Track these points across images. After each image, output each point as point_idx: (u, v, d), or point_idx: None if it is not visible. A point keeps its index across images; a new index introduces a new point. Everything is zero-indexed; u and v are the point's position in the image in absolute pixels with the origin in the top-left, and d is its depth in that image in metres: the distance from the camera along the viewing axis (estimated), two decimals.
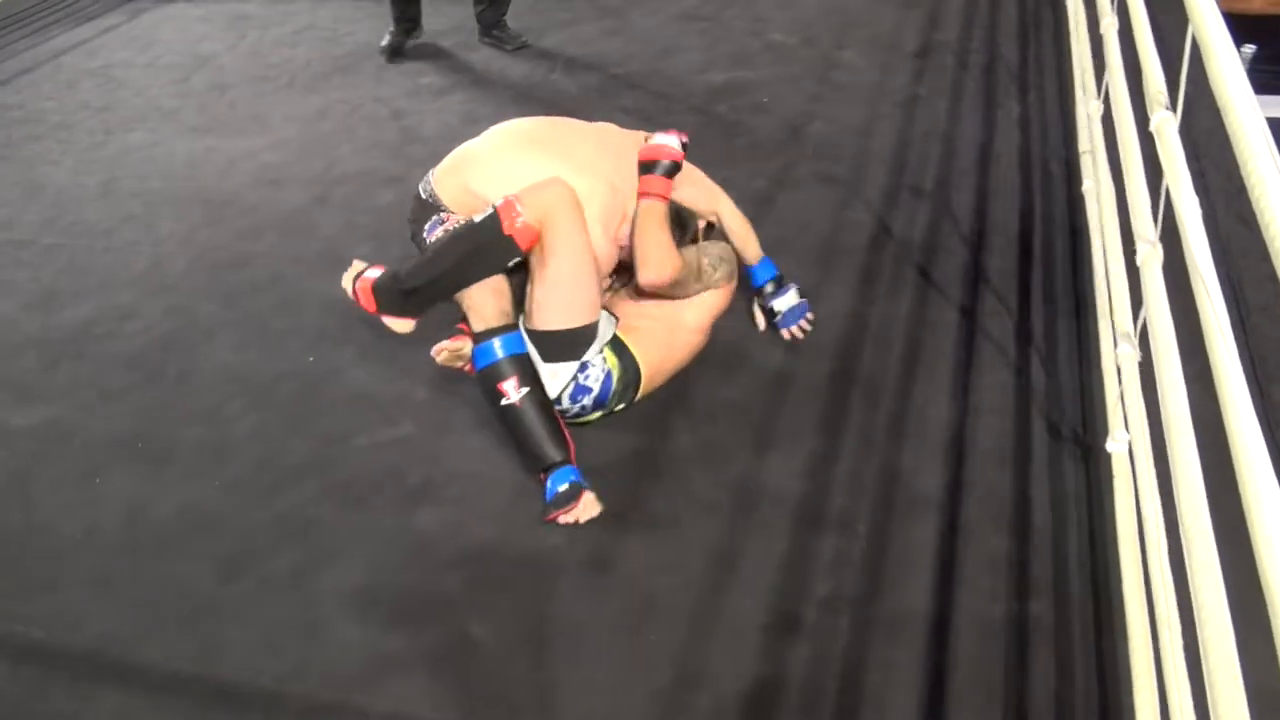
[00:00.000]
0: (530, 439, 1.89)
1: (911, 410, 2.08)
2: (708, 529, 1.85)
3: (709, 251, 2.15)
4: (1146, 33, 1.86)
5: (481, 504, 1.97)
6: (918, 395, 2.12)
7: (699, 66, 3.89)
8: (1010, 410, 2.05)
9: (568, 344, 1.97)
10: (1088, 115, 2.74)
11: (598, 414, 2.06)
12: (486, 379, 1.92)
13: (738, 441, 2.05)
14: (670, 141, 2.09)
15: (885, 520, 1.83)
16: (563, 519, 1.85)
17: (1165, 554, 1.40)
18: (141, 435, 2.25)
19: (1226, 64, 1.21)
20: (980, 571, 1.71)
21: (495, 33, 4.29)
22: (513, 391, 1.89)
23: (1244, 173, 1.00)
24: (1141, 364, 1.70)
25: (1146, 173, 1.73)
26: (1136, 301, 1.63)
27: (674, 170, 2.07)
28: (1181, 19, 1.46)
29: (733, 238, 2.24)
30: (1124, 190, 1.80)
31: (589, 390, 2.00)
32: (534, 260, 1.95)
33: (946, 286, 2.46)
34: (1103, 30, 2.52)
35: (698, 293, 2.13)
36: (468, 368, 1.99)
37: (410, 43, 4.35)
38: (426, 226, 2.06)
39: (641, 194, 2.05)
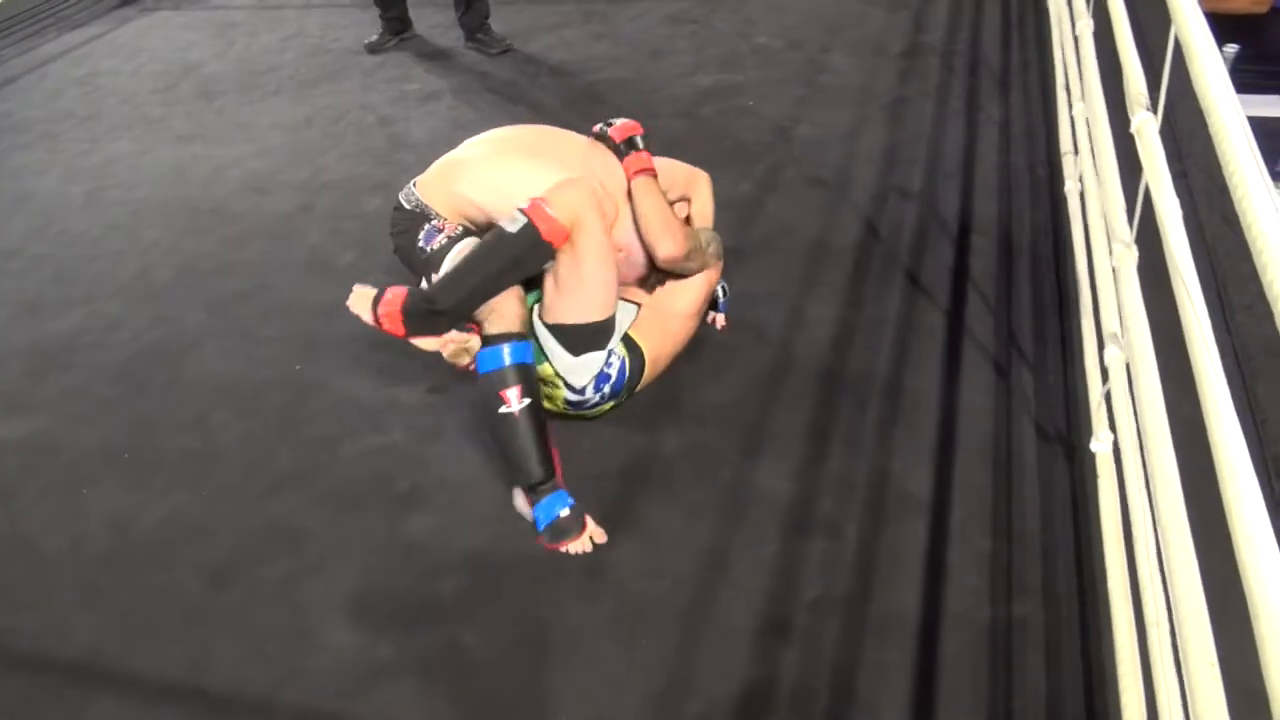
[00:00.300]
0: (521, 452, 1.89)
1: (899, 412, 2.08)
2: (697, 533, 1.86)
3: (698, 231, 2.18)
4: (1127, 33, 1.87)
5: (471, 510, 1.97)
6: (905, 397, 2.12)
7: (686, 70, 3.90)
8: (996, 411, 2.06)
9: (597, 334, 1.99)
10: (1070, 117, 2.76)
11: (610, 404, 2.08)
12: (490, 384, 1.90)
13: (726, 445, 2.05)
14: (625, 119, 2.15)
15: (874, 522, 1.84)
16: (573, 549, 1.84)
17: (1152, 554, 1.40)
18: (129, 445, 2.25)
19: (1209, 64, 1.22)
20: (968, 573, 1.72)
21: (479, 37, 4.30)
22: (514, 401, 1.88)
23: (1226, 173, 1.01)
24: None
25: (1128, 173, 1.74)
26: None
27: (645, 141, 2.11)
28: (1164, 19, 1.47)
29: (696, 220, 2.24)
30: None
31: (609, 378, 2.02)
32: (563, 258, 1.95)
33: (933, 288, 2.47)
34: (1078, 31, 2.53)
35: (700, 268, 2.14)
36: (471, 365, 1.98)
37: (397, 40, 4.42)
38: (421, 235, 2.04)
39: (635, 172, 2.06)
